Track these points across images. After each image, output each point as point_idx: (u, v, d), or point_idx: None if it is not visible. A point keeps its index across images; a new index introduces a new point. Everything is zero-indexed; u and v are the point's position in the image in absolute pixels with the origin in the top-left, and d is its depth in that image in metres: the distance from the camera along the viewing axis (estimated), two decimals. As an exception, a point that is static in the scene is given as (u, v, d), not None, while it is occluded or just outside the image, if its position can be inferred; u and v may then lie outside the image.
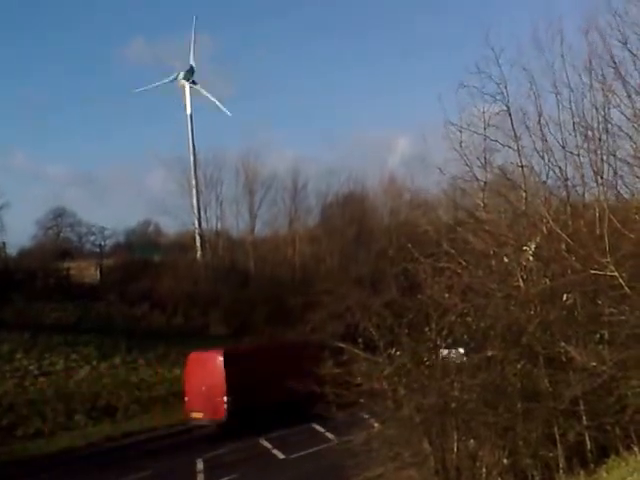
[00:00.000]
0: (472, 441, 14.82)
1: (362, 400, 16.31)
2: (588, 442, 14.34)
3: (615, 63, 15.16)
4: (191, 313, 44.90)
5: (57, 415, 30.32)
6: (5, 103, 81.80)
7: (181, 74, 56.90)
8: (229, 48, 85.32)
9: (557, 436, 14.18)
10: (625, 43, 14.98)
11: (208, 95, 57.33)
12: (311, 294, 38.74)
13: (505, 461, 14.32)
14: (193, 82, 57.19)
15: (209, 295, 45.14)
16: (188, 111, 57.23)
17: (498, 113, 17.08)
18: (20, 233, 71.85)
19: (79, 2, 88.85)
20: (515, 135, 16.91)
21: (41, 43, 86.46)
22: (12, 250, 52.57)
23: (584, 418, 14.30)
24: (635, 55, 15.04)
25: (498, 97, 16.71)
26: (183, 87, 57.12)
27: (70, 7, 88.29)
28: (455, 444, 14.66)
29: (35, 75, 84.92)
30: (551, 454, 14.15)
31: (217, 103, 57.42)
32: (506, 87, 16.57)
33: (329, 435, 24.61)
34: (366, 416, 17.38)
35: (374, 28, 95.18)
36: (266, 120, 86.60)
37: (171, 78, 57.03)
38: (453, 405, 14.74)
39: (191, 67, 57.22)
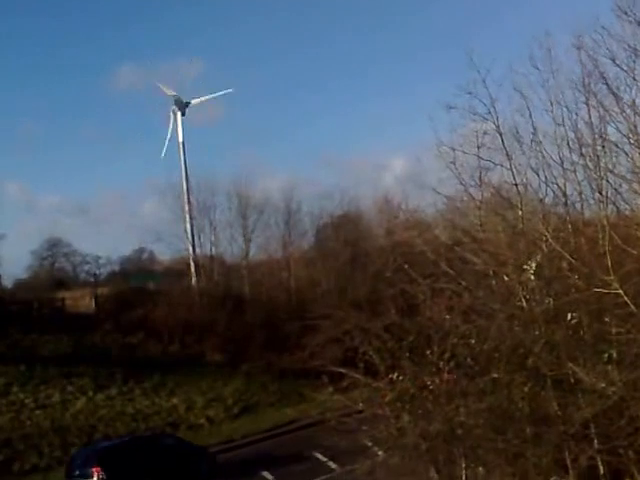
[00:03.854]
0: (481, 469, 14.43)
1: (364, 427, 15.91)
2: (601, 466, 13.97)
3: (606, 79, 15.05)
4: (187, 340, 44.43)
5: (53, 449, 29.80)
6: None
7: (174, 107, 56.96)
8: (219, 70, 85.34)
9: (568, 461, 13.84)
10: (614, 59, 14.87)
11: (205, 97, 57.42)
12: (308, 318, 38.57)
13: (516, 489, 13.94)
14: (187, 104, 57.19)
15: (205, 321, 44.67)
16: (180, 139, 57.17)
17: (486, 132, 16.99)
18: (15, 264, 71.44)
19: (67, 30, 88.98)
20: (507, 153, 16.79)
21: (32, 73, 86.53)
22: (7, 281, 52.28)
23: (595, 441, 13.95)
24: (625, 71, 14.90)
25: (487, 117, 16.63)
26: (175, 114, 57.08)
27: (59, 36, 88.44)
28: (463, 472, 14.27)
29: (27, 107, 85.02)
30: (563, 480, 13.78)
31: (218, 93, 57.50)
32: (494, 106, 16.48)
33: (332, 464, 24.13)
34: (369, 444, 16.93)
35: (367, 49, 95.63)
36: (258, 143, 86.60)
37: (172, 119, 57.00)
38: (459, 431, 14.36)
39: (176, 97, 57.21)
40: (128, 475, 23.91)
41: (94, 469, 23.56)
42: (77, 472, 24.15)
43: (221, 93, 57.73)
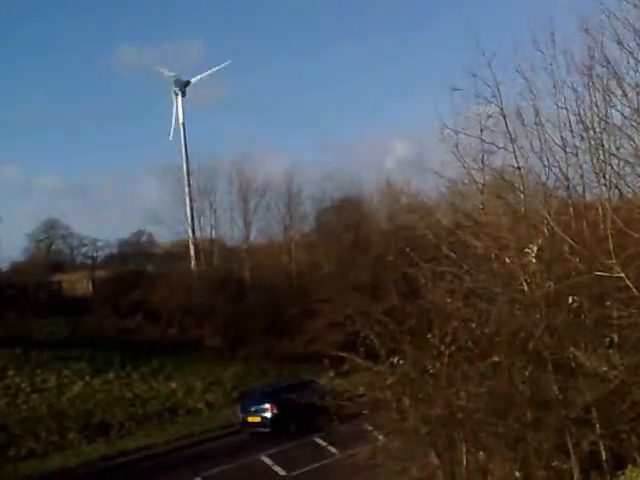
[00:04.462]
0: (482, 453, 14.32)
1: (365, 411, 15.83)
2: (603, 452, 13.88)
3: (610, 62, 14.87)
4: (186, 324, 44.35)
5: (50, 434, 29.70)
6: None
7: (176, 89, 56.66)
8: (221, 52, 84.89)
9: (570, 446, 13.71)
10: (620, 42, 14.67)
11: (204, 73, 57.30)
12: (309, 303, 38.53)
13: (517, 474, 13.85)
14: (187, 83, 56.95)
15: (204, 305, 44.55)
16: (180, 120, 56.87)
17: (491, 115, 16.79)
18: (11, 247, 71.29)
19: (66, 10, 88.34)
20: (511, 137, 16.64)
21: (29, 57, 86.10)
22: (3, 264, 52.10)
23: (597, 426, 13.85)
24: (630, 53, 14.71)
25: (492, 99, 16.45)
26: (176, 95, 56.81)
27: (57, 16, 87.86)
28: (464, 457, 14.16)
29: (24, 88, 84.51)
30: (565, 465, 13.68)
31: (216, 68, 57.37)
32: (499, 89, 16.30)
33: (332, 449, 24.12)
34: (369, 428, 16.87)
35: (369, 32, 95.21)
36: (259, 125, 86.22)
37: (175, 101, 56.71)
38: (460, 415, 14.25)
39: (176, 77, 56.94)
40: (291, 411, 28.44)
41: (269, 405, 29.29)
42: (253, 408, 29.77)
43: (219, 67, 57.44)
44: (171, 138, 56.59)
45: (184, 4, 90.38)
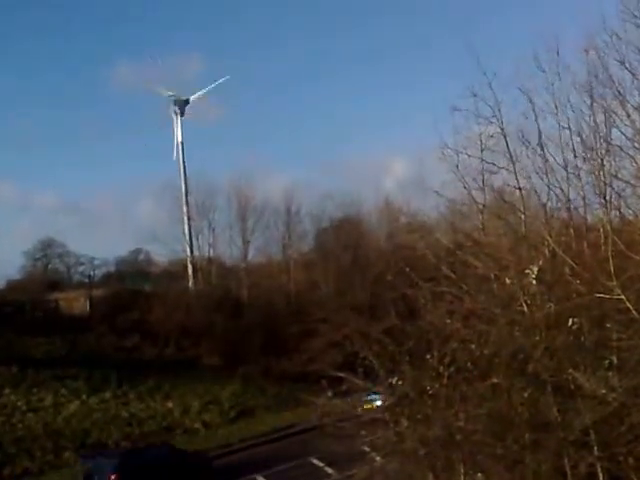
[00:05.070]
0: (479, 475, 14.22)
1: (362, 432, 15.72)
2: (600, 474, 13.78)
3: (614, 82, 14.90)
4: (183, 344, 44.23)
5: (46, 453, 29.58)
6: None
7: (175, 108, 56.92)
8: (220, 69, 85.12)
9: (568, 468, 13.64)
10: (623, 62, 14.72)
11: (203, 90, 57.45)
12: (307, 322, 38.38)
13: (516, 496, 13.73)
14: (186, 102, 57.10)
15: (201, 325, 44.43)
16: (179, 139, 57.02)
17: (492, 135, 16.80)
18: (8, 264, 71.00)
19: (65, 27, 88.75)
20: (511, 157, 16.63)
21: (27, 73, 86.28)
22: (0, 282, 51.98)
23: (595, 448, 13.74)
24: (634, 74, 14.75)
25: (492, 119, 16.47)
26: (177, 115, 57.02)
27: (56, 34, 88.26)
28: (462, 478, 14.06)
29: (21, 106, 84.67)
30: (563, 487, 13.58)
31: (215, 83, 57.59)
32: (500, 110, 16.32)
33: (329, 470, 23.92)
34: (367, 449, 16.74)
35: (369, 53, 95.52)
36: (258, 144, 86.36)
37: (175, 120, 56.97)
38: (458, 437, 14.16)
39: (175, 96, 57.19)
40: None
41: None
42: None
43: (218, 82, 57.62)
44: (174, 158, 56.83)
45: (184, 22, 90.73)
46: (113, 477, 24.79)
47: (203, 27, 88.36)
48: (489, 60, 16.36)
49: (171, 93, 57.09)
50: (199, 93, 57.75)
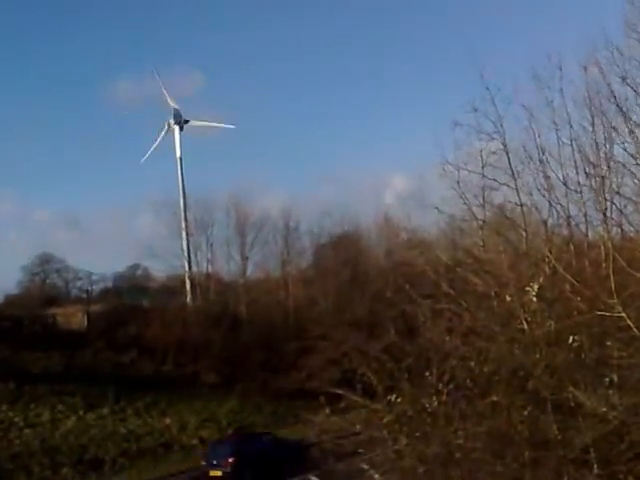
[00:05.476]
0: (479, 493, 14.09)
1: (361, 450, 15.60)
2: (600, 492, 13.63)
3: (616, 98, 14.88)
4: (181, 360, 44.07)
5: (43, 469, 29.45)
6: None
7: (171, 120, 56.96)
8: (219, 85, 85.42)
9: (568, 487, 13.48)
10: (625, 78, 14.70)
11: (205, 123, 57.40)
12: (306, 338, 38.26)
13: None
14: (185, 121, 57.19)
15: (199, 340, 44.31)
16: (178, 154, 57.10)
17: (494, 152, 16.77)
18: (6, 279, 70.91)
19: (65, 42, 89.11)
20: (513, 173, 16.59)
21: (27, 87, 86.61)
22: (-3, 297, 51.86)
23: (595, 466, 13.62)
24: (635, 91, 14.74)
25: (494, 135, 16.43)
26: (170, 127, 57.15)
27: (55, 50, 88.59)
28: (461, 496, 13.93)
29: (20, 119, 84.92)
30: (563, 506, 13.44)
31: (218, 125, 57.68)
32: (502, 125, 16.29)
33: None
34: (365, 467, 16.61)
35: (370, 65, 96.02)
36: (257, 159, 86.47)
37: (165, 130, 57.06)
38: (458, 455, 14.04)
39: (176, 110, 57.25)
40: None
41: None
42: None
43: (222, 126, 57.87)
44: (142, 162, 57.50)
45: (186, 38, 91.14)
46: (231, 460, 28.25)
47: (203, 44, 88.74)
48: (491, 75, 16.37)
49: (176, 106, 57.17)
50: (200, 123, 57.85)
